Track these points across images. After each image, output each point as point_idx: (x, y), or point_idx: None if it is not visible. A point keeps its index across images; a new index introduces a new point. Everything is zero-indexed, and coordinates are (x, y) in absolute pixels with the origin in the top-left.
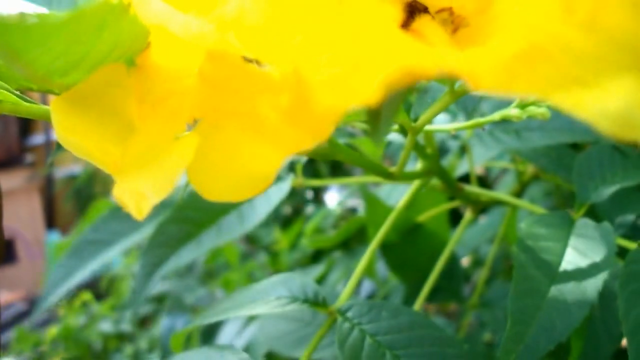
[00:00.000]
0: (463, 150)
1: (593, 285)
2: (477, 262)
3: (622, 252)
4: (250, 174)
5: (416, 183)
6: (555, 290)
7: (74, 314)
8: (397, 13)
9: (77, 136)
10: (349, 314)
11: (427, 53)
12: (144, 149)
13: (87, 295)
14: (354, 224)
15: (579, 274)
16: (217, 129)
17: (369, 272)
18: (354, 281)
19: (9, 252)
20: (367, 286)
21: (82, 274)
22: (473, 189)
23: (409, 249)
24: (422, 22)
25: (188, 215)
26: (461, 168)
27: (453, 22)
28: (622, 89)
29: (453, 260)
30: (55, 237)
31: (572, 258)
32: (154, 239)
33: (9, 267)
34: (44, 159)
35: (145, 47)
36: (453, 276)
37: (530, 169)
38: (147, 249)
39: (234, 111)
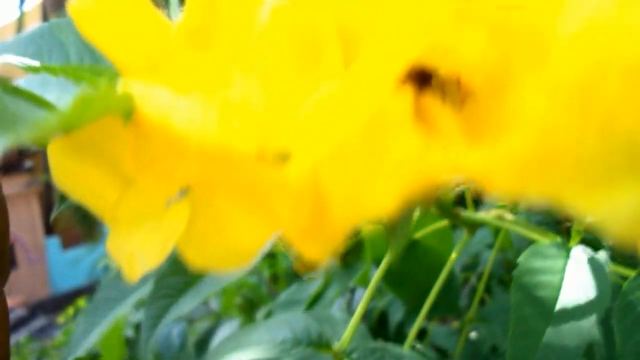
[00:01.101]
0: None
1: (589, 322)
2: (474, 265)
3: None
4: (237, 247)
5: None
6: (551, 330)
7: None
8: (408, 106)
9: (73, 180)
10: (354, 356)
11: (442, 160)
12: (138, 205)
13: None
14: (351, 237)
15: (576, 310)
16: (209, 200)
17: (364, 282)
18: (356, 319)
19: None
20: (361, 294)
21: (100, 329)
22: (469, 214)
23: (406, 265)
24: (430, 102)
25: (186, 266)
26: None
27: (460, 91)
28: (634, 191)
29: (451, 275)
30: (54, 244)
31: (569, 292)
32: (155, 293)
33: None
34: (43, 165)
35: None
36: (450, 291)
37: None
38: (149, 303)
39: (230, 186)
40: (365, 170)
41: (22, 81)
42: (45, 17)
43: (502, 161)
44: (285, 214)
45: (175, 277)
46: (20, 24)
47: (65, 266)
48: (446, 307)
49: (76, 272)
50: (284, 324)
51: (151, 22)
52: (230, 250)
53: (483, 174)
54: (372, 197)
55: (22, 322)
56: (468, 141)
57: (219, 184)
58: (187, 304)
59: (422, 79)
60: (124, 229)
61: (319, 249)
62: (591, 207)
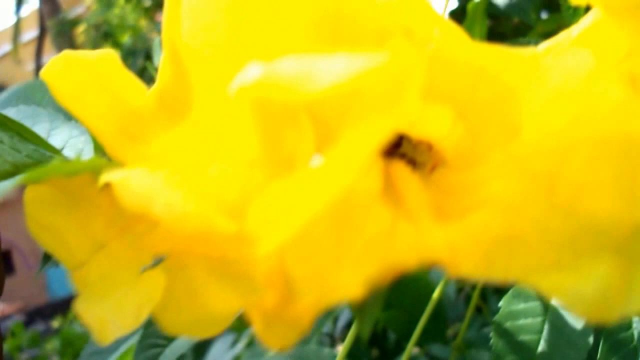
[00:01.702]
0: None
1: None
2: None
3: None
4: (211, 315)
5: None
6: None
7: (70, 323)
8: (377, 179)
9: (45, 231)
10: None
11: (409, 239)
12: (109, 270)
13: None
14: None
15: (558, 353)
16: (183, 269)
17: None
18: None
19: (6, 263)
20: (347, 314)
21: None
22: None
23: (393, 292)
24: (399, 170)
25: None
26: None
27: (431, 158)
28: (598, 272)
29: (439, 303)
30: None
31: (551, 335)
32: (142, 342)
33: (5, 278)
34: None
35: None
36: (438, 319)
37: None
38: (137, 353)
39: (205, 258)
40: (332, 252)
41: (13, 111)
42: (42, 23)
43: (467, 240)
44: (251, 296)
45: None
46: (16, 29)
47: (63, 273)
48: (434, 336)
49: None
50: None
51: (125, 87)
52: (203, 317)
53: (449, 254)
54: (339, 279)
55: None
56: (435, 216)
57: (193, 255)
58: (176, 351)
59: (392, 144)
60: (94, 293)
61: (284, 332)
62: (556, 290)
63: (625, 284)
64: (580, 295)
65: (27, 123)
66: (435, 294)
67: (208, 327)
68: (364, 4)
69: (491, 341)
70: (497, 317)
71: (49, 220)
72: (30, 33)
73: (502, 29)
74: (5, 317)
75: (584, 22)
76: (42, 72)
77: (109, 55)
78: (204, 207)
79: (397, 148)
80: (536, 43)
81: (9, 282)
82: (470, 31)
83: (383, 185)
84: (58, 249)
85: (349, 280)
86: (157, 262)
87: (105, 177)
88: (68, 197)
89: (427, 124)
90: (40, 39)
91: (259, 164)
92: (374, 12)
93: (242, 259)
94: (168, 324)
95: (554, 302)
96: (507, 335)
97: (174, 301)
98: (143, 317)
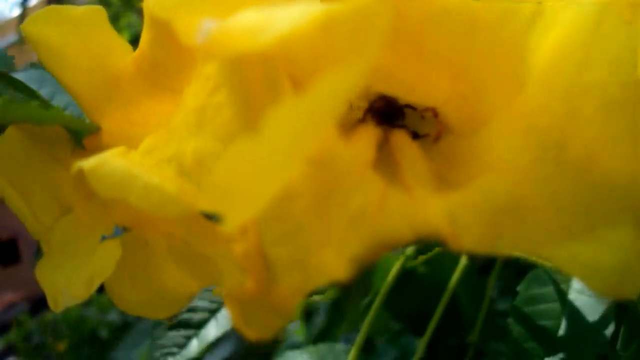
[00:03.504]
0: None
1: (590, 352)
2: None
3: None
4: (165, 295)
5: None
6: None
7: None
8: (370, 147)
9: (13, 191)
10: None
11: (404, 211)
12: (71, 235)
13: None
14: None
15: (578, 338)
16: (144, 243)
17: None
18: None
19: (12, 252)
20: None
21: None
22: None
23: (406, 290)
24: (399, 140)
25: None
26: None
27: (436, 126)
28: (616, 241)
29: (452, 299)
30: None
31: (571, 320)
32: (153, 352)
33: (11, 267)
34: None
35: (95, 131)
36: (452, 315)
37: None
38: None
39: (167, 234)
40: (314, 229)
41: (22, 74)
42: None
43: (470, 209)
44: (225, 280)
45: (175, 331)
46: (22, 20)
47: None
48: (449, 332)
49: None
50: None
51: (108, 46)
52: (157, 297)
53: (449, 226)
54: (323, 260)
55: None
56: (434, 186)
57: (156, 232)
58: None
59: (392, 116)
60: (54, 258)
61: (265, 320)
62: (570, 261)
63: None
64: (598, 266)
65: (34, 86)
66: (450, 286)
67: (161, 307)
68: None
69: (509, 327)
70: (516, 302)
71: (17, 177)
72: None
73: None
74: (11, 305)
75: None
76: (23, 25)
77: (95, 10)
78: (184, 187)
79: (398, 120)
80: None
81: (15, 271)
82: None
83: (377, 156)
84: (23, 209)
85: (334, 260)
86: (118, 232)
87: (79, 164)
88: (39, 158)
89: (430, 87)
90: None
91: (237, 133)
92: None
93: (207, 243)
94: (121, 299)
95: (573, 285)
96: (526, 320)
97: (130, 276)
98: (94, 288)
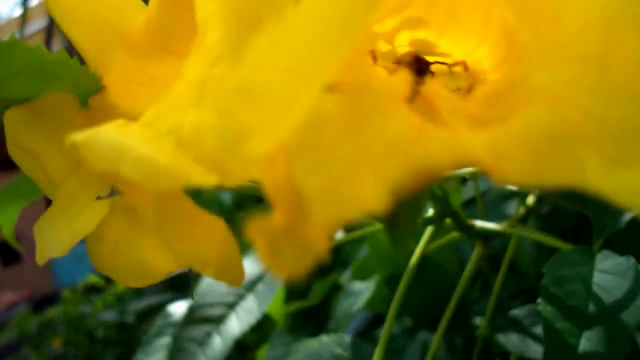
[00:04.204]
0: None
1: (623, 329)
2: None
3: None
4: (142, 266)
5: (430, 229)
6: (586, 341)
7: (75, 303)
8: (403, 86)
9: (24, 154)
10: None
11: (442, 142)
12: (72, 193)
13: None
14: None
15: (608, 317)
16: (131, 209)
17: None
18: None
19: (13, 252)
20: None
21: None
22: (483, 224)
23: (416, 283)
24: (431, 89)
25: (204, 314)
26: (465, 194)
27: (467, 79)
28: None
29: (464, 293)
30: None
31: (599, 299)
32: (174, 351)
33: (13, 267)
34: None
35: (100, 90)
36: (462, 308)
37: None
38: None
39: (155, 205)
40: (347, 157)
41: None
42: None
43: (513, 140)
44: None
45: (196, 327)
46: (24, 18)
47: (70, 260)
48: (458, 326)
49: (81, 267)
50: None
51: (121, 4)
52: (134, 265)
53: (491, 158)
54: (358, 189)
55: None
56: (473, 122)
57: (144, 200)
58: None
59: (423, 68)
60: (54, 212)
61: (296, 257)
62: (623, 190)
63: None
64: None
65: None
66: (463, 280)
67: (135, 276)
68: None
69: (539, 307)
70: (543, 282)
71: (28, 143)
72: (37, 24)
73: None
74: (13, 305)
75: None
76: None
77: None
78: (180, 159)
79: (427, 75)
80: None
81: (16, 271)
82: None
83: (411, 95)
84: (36, 172)
85: (370, 188)
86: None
87: (72, 138)
88: (47, 118)
89: (456, 39)
90: (49, 29)
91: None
92: None
93: (190, 220)
94: (99, 260)
95: (597, 265)
96: (555, 301)
97: (112, 240)
98: (74, 242)
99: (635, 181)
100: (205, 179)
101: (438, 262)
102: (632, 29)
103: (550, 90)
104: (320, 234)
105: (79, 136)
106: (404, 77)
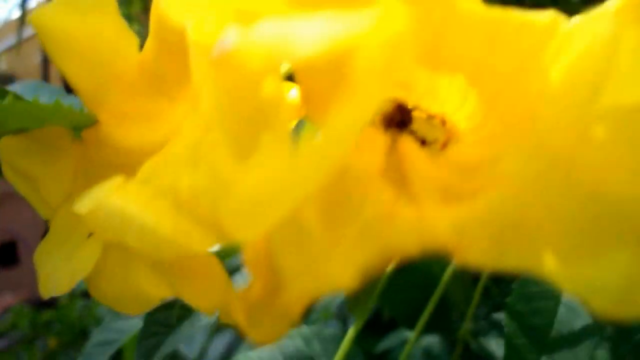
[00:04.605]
0: None
1: (586, 347)
2: None
3: None
4: (138, 295)
5: None
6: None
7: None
8: (378, 157)
9: (21, 178)
10: None
11: (409, 225)
12: (67, 222)
13: None
14: None
15: (571, 338)
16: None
17: None
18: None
19: (11, 254)
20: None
21: None
22: None
23: (399, 282)
24: (407, 146)
25: (176, 301)
26: None
27: (444, 133)
28: (620, 262)
29: (445, 293)
30: None
31: (565, 318)
32: (144, 331)
33: (10, 269)
34: None
35: (94, 124)
36: (443, 310)
37: None
38: (138, 342)
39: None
40: (323, 238)
41: (18, 86)
42: None
43: (476, 223)
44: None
45: (164, 312)
46: (22, 21)
47: None
48: (438, 327)
49: None
50: (274, 348)
51: (115, 41)
52: (130, 295)
53: (455, 239)
54: (332, 268)
55: None
56: (442, 198)
57: None
58: (179, 339)
59: (400, 122)
60: (52, 242)
61: (271, 324)
62: (573, 280)
63: None
64: (600, 287)
65: (29, 96)
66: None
67: (132, 305)
68: None
69: (504, 323)
70: (510, 299)
71: (24, 168)
72: None
73: None
74: (10, 308)
75: None
76: (32, 15)
77: (105, 2)
78: (179, 226)
79: (407, 125)
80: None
81: (14, 273)
82: None
83: (386, 164)
84: (32, 195)
85: (343, 268)
86: None
87: (76, 207)
88: (43, 147)
89: (440, 93)
90: None
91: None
92: None
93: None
94: (96, 289)
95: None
96: (519, 317)
97: (109, 270)
98: (74, 283)
99: (584, 273)
100: (204, 245)
101: (422, 263)
102: (603, 136)
103: (517, 180)
104: (295, 305)
105: (83, 205)
106: (380, 141)
